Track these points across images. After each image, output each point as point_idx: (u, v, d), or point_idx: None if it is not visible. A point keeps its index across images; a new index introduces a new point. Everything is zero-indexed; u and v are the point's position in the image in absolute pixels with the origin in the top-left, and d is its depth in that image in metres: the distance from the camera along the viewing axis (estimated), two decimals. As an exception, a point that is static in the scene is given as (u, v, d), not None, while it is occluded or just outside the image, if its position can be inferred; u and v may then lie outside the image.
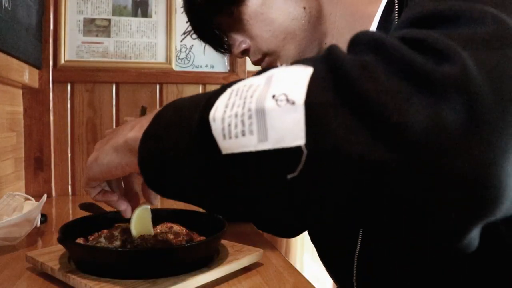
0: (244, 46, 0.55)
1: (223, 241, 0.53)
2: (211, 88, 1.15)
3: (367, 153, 0.21)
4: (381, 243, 0.49)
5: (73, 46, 1.06)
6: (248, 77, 1.04)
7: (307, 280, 0.46)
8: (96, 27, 1.08)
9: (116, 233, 0.51)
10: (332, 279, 0.67)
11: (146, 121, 0.34)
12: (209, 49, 0.64)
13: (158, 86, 1.11)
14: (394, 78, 0.22)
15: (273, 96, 0.23)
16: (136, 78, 1.09)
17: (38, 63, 0.99)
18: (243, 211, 0.29)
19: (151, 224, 0.51)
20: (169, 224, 0.54)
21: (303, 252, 1.35)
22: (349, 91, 0.22)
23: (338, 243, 0.58)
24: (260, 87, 0.25)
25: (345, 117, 0.22)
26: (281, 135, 0.23)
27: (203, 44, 0.62)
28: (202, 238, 0.52)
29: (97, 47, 1.08)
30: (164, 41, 1.10)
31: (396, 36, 0.25)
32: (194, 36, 0.62)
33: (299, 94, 0.22)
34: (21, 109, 0.99)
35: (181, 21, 1.10)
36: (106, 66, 1.07)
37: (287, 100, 0.23)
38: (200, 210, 0.64)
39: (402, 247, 0.46)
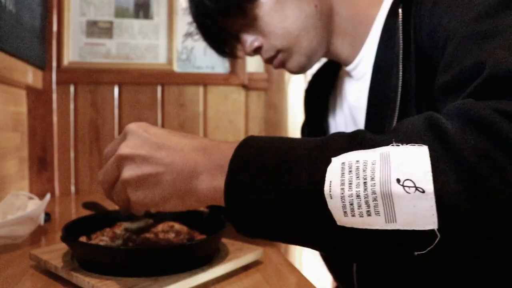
0: (256, 44, 0.55)
1: (224, 240, 0.54)
2: (212, 89, 1.15)
3: (501, 246, 0.23)
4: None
5: (76, 47, 1.07)
6: (247, 77, 1.04)
7: (306, 278, 0.47)
8: (98, 29, 1.09)
9: (118, 231, 0.51)
10: (332, 277, 0.68)
11: (211, 167, 0.33)
12: (209, 51, 0.64)
13: (159, 87, 1.12)
14: None
15: (398, 181, 0.24)
16: (138, 79, 1.09)
17: (41, 65, 1.00)
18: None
19: None
20: (170, 223, 0.55)
21: (302, 250, 1.36)
22: (475, 182, 0.23)
23: None
24: (377, 166, 0.25)
25: (474, 208, 0.23)
26: (412, 219, 0.24)
27: (204, 45, 0.62)
28: (203, 236, 0.53)
29: (99, 48, 1.09)
30: (166, 42, 1.11)
31: (497, 109, 0.25)
32: (196, 37, 0.62)
33: (427, 183, 0.23)
34: (25, 109, 1.00)
35: (182, 23, 1.11)
36: (109, 67, 1.08)
37: (416, 188, 0.24)
38: (201, 209, 0.65)
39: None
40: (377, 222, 0.25)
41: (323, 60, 0.66)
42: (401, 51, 0.46)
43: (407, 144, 0.26)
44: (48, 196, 0.63)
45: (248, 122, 1.18)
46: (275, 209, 0.29)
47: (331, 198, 0.26)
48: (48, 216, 0.71)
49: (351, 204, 0.25)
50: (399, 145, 0.26)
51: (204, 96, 1.15)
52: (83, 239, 0.49)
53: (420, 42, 0.44)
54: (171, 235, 0.52)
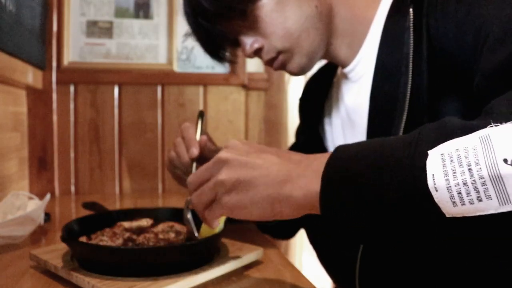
0: (257, 45, 0.55)
1: (224, 240, 0.54)
2: (212, 89, 1.15)
3: None
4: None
5: (76, 47, 1.07)
6: (247, 77, 1.04)
7: (306, 278, 0.47)
8: (98, 29, 1.09)
9: (118, 231, 0.51)
10: (332, 280, 0.67)
11: (307, 174, 0.34)
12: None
13: (159, 87, 1.12)
14: None
15: (505, 161, 0.24)
16: (138, 79, 1.09)
17: (41, 65, 1.00)
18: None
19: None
20: (171, 223, 0.55)
21: (302, 250, 1.36)
22: None
23: (340, 245, 0.58)
24: (479, 151, 0.25)
25: None
26: None
27: (200, 46, 0.61)
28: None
29: (99, 48, 1.09)
30: (166, 42, 1.11)
31: None
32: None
33: None
34: (25, 109, 1.00)
35: (182, 23, 1.10)
36: (109, 68, 1.08)
37: None
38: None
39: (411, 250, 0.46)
40: (490, 207, 0.24)
41: (319, 65, 0.66)
42: (411, 51, 0.45)
43: (506, 122, 0.25)
44: (48, 196, 0.63)
45: (248, 122, 1.18)
46: (377, 213, 0.29)
47: (436, 191, 0.26)
48: (48, 216, 0.71)
49: (459, 193, 0.25)
50: (498, 125, 0.25)
51: (204, 96, 1.15)
52: (83, 239, 0.49)
53: (439, 41, 0.44)
54: (171, 235, 0.52)
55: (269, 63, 0.57)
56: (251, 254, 0.50)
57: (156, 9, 1.10)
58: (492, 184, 0.24)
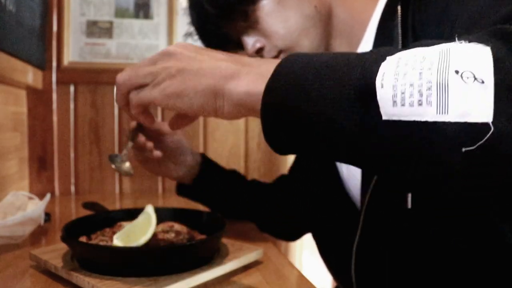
0: (258, 45, 0.56)
1: (224, 240, 0.54)
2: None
3: None
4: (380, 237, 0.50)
5: (76, 47, 1.07)
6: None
7: (306, 278, 0.47)
8: (98, 29, 1.09)
9: (118, 232, 0.51)
10: (332, 275, 0.68)
11: (254, 74, 0.32)
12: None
13: (160, 87, 1.11)
14: None
15: (457, 72, 0.23)
16: (138, 79, 1.09)
17: (41, 65, 1.00)
18: (380, 171, 0.29)
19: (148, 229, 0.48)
20: (170, 223, 0.55)
21: (302, 250, 1.36)
22: None
23: (338, 236, 0.59)
24: (435, 59, 0.25)
25: None
26: (466, 110, 0.23)
27: (203, 46, 0.63)
28: (203, 236, 0.53)
29: (99, 48, 1.09)
30: (166, 42, 1.11)
31: None
32: (196, 37, 0.63)
33: (488, 74, 0.23)
34: (25, 109, 1.00)
35: (182, 23, 1.11)
36: (109, 68, 1.08)
37: (475, 78, 0.23)
38: (201, 209, 0.65)
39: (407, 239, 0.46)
40: (428, 113, 0.23)
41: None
42: (399, 47, 0.46)
43: (469, 43, 0.25)
44: (48, 196, 0.63)
45: (248, 121, 1.18)
46: (318, 107, 0.27)
47: (382, 87, 0.25)
48: (48, 216, 0.71)
49: (403, 93, 0.24)
50: (461, 43, 0.25)
51: (204, 96, 1.15)
52: (83, 239, 0.49)
53: (423, 36, 0.45)
54: (171, 235, 0.52)
55: None
56: (251, 254, 0.50)
57: (156, 9, 1.10)
58: (437, 90, 0.23)
